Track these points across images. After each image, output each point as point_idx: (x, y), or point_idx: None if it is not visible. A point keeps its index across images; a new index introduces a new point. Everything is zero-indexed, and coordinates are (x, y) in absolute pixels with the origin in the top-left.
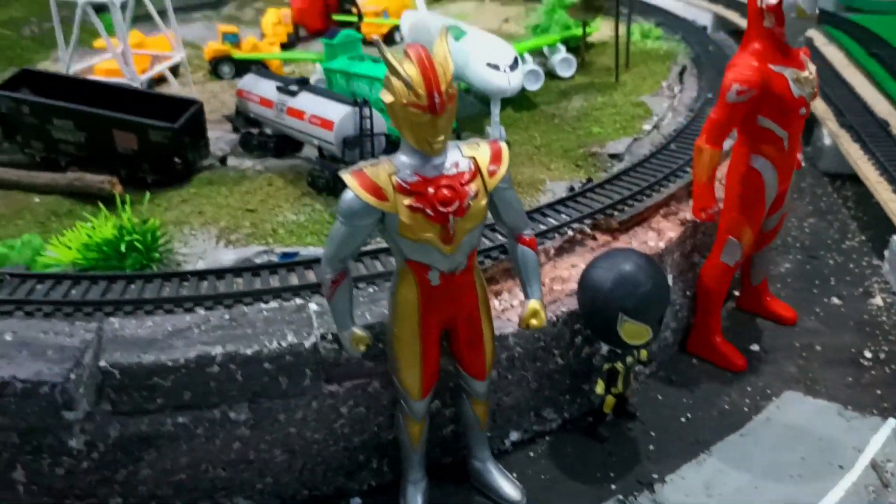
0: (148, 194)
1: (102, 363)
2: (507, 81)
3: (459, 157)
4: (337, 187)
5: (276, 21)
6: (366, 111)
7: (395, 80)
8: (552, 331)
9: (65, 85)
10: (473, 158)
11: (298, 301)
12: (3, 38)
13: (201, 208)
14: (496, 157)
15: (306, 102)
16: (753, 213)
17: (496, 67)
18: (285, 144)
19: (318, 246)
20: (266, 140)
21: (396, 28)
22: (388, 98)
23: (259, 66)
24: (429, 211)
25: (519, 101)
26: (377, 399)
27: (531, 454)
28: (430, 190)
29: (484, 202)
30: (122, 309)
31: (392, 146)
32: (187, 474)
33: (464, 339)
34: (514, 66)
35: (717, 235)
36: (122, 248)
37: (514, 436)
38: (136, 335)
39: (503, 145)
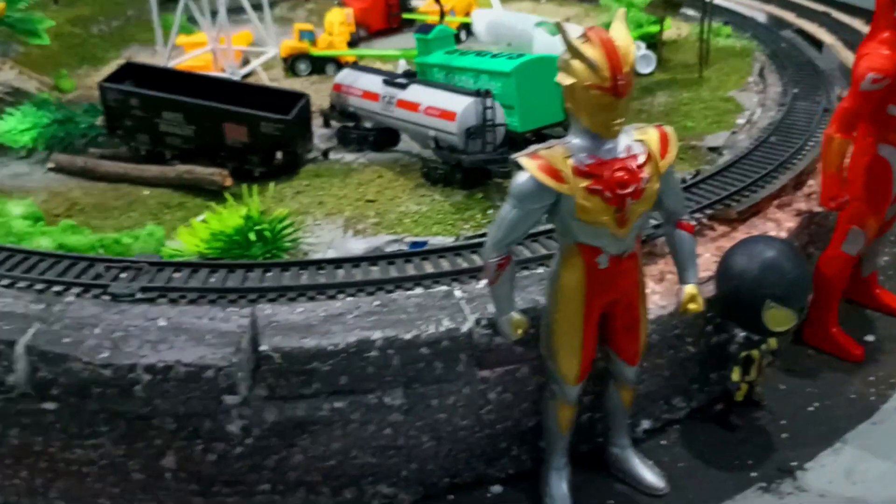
0: (273, 184)
1: (264, 347)
2: None
3: (631, 140)
4: (455, 178)
5: (341, 20)
6: (488, 101)
7: (576, 63)
8: (687, 318)
9: (167, 78)
10: (644, 142)
11: (443, 288)
12: (73, 35)
13: (320, 199)
14: (665, 141)
15: (421, 94)
16: (879, 202)
17: None
18: (384, 138)
19: (445, 235)
20: (366, 134)
21: (462, 26)
22: (567, 80)
23: (333, 63)
24: (607, 194)
25: None
26: (524, 385)
27: (663, 442)
28: (607, 173)
29: (657, 185)
30: (265, 296)
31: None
32: (337, 460)
33: (621, 324)
34: None
35: (838, 225)
36: (252, 237)
37: (646, 424)
38: (290, 320)
39: (670, 130)
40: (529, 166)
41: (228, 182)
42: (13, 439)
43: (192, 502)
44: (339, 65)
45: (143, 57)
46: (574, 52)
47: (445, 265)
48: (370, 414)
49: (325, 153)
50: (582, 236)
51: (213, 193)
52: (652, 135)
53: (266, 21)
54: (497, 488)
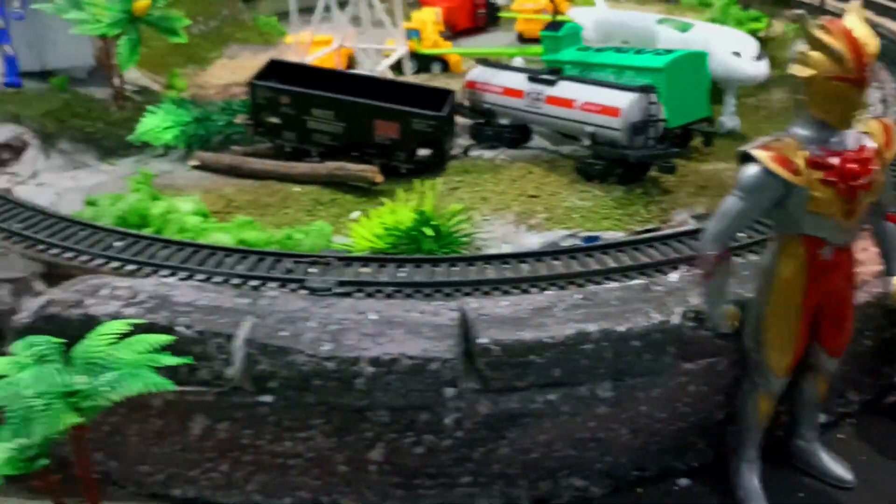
0: (441, 181)
1: (482, 340)
2: (756, 68)
3: (857, 132)
4: (612, 173)
5: (432, 20)
6: (652, 97)
7: (817, 54)
8: (867, 312)
9: (309, 76)
10: (870, 134)
11: (639, 280)
12: None
13: (481, 195)
14: (889, 133)
15: (574, 90)
16: None
17: (739, 55)
18: (520, 134)
19: (616, 230)
20: (502, 130)
21: None
22: (806, 72)
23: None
24: (840, 185)
25: (716, 95)
26: (720, 378)
27: (840, 436)
28: (840, 164)
29: (883, 178)
30: (460, 289)
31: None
32: (540, 453)
33: (830, 315)
34: (760, 54)
35: None
36: (428, 231)
37: (822, 418)
38: (499, 314)
39: (891, 122)
40: (762, 157)
41: (379, 179)
42: (221, 433)
43: (393, 495)
44: (444, 63)
45: (246, 55)
46: (816, 44)
47: (625, 259)
48: (580, 406)
49: (466, 150)
50: (808, 228)
51: (363, 190)
52: (875, 127)
53: (396, 19)
54: (684, 481)
